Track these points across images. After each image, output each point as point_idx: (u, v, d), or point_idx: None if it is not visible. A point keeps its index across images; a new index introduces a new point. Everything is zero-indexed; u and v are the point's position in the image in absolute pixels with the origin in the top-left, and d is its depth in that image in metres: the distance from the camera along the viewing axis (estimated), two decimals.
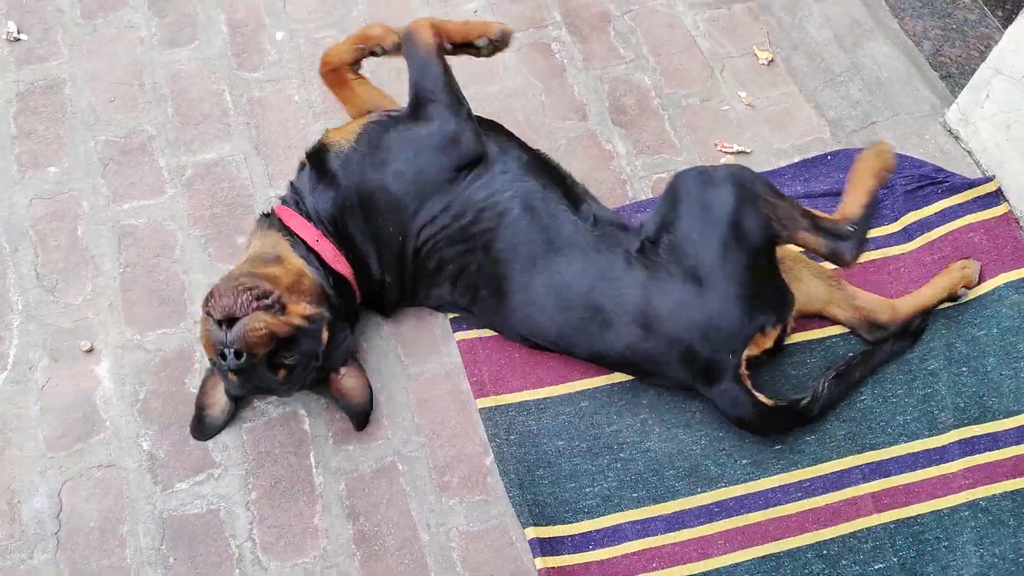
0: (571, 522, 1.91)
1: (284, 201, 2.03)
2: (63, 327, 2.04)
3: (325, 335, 1.87)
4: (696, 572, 1.87)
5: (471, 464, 1.96)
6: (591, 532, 1.90)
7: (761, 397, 1.90)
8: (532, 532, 1.88)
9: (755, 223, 1.83)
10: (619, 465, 1.98)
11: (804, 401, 1.97)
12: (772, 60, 2.62)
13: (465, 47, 2.05)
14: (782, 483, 1.97)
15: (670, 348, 1.86)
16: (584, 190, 2.15)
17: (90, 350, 2.02)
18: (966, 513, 1.94)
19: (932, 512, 1.95)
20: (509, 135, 2.12)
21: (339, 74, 2.12)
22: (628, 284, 1.88)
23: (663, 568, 1.87)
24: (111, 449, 1.91)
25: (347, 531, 1.87)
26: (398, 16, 2.61)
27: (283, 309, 1.77)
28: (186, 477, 1.91)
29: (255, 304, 1.71)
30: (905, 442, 2.03)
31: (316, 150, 2.02)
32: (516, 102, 2.49)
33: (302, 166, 2.04)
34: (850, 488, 1.97)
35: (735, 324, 1.83)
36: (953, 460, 2.00)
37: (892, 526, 1.93)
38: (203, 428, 1.94)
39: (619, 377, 2.07)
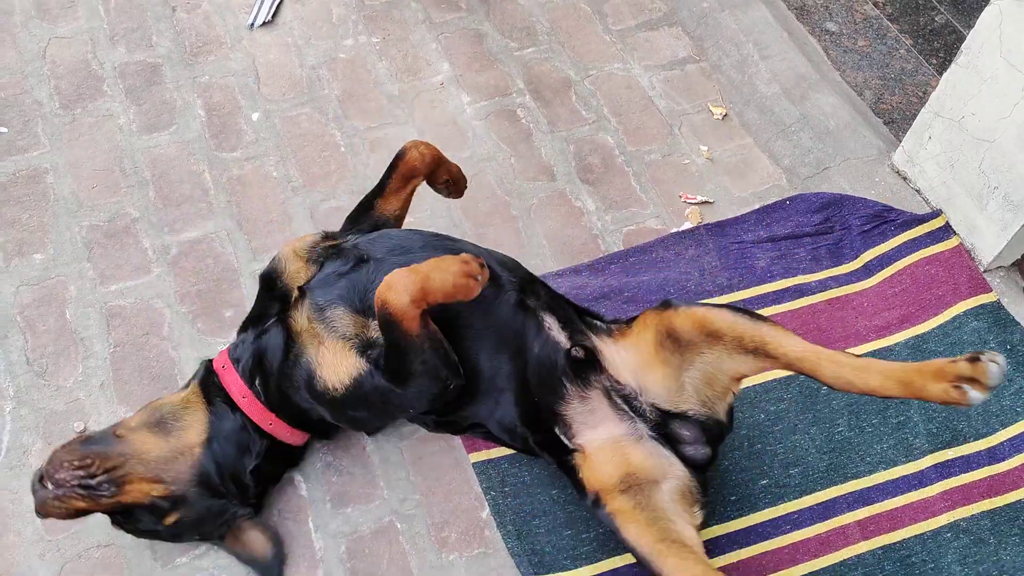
0: (570, 568, 1.94)
1: (231, 353, 1.92)
2: (56, 410, 2.06)
3: (171, 518, 1.79)
4: None
5: (468, 518, 2.00)
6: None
7: None
8: None
9: None
10: None
11: None
12: (726, 115, 2.77)
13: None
14: (771, 517, 2.03)
15: None
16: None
17: (83, 431, 2.03)
18: (948, 535, 2.01)
19: (916, 536, 2.02)
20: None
21: (414, 180, 2.12)
22: None
23: None
24: (109, 528, 1.90)
25: None
26: (366, 92, 2.72)
27: (119, 487, 1.72)
28: (186, 551, 1.91)
29: (76, 480, 1.69)
30: (884, 469, 2.10)
31: (297, 357, 1.82)
32: (487, 166, 2.59)
33: (278, 315, 1.90)
34: (836, 517, 2.03)
35: None
36: (931, 484, 2.08)
37: (880, 552, 1.99)
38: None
39: None
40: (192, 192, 2.46)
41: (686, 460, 1.79)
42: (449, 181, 2.17)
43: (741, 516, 2.03)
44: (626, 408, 1.83)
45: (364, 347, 1.78)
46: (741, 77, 2.81)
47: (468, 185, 2.23)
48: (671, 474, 1.76)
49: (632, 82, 2.83)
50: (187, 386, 1.92)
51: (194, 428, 1.83)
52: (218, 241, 2.37)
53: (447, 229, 2.44)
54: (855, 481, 2.09)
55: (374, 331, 1.76)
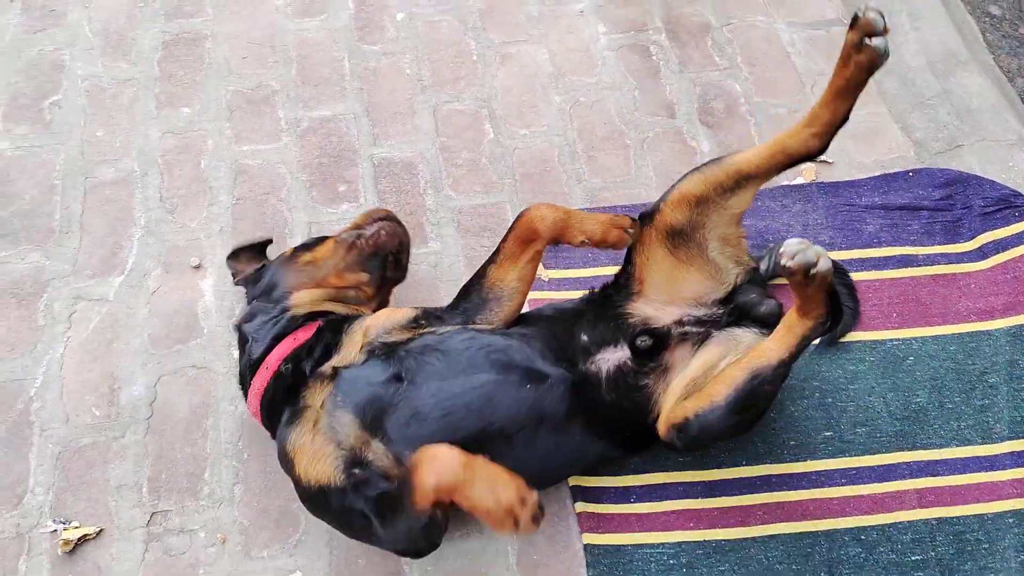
0: (615, 474, 1.99)
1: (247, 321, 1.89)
2: (177, 244, 2.26)
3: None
4: (732, 537, 1.92)
5: None
6: (633, 487, 1.98)
7: None
8: (574, 480, 1.97)
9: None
10: None
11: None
12: None
13: None
14: (827, 468, 2.01)
15: None
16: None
17: (198, 266, 2.22)
18: (1011, 520, 1.94)
19: (976, 515, 1.96)
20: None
21: (534, 243, 1.82)
22: None
23: (700, 529, 1.93)
24: (205, 353, 2.10)
25: None
26: (508, 8, 2.80)
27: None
28: None
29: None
30: (957, 446, 2.04)
31: (294, 408, 1.71)
32: (610, 95, 2.63)
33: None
34: (896, 482, 2.00)
35: None
36: (1004, 469, 2.01)
37: (934, 522, 1.95)
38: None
39: None
40: (330, 76, 2.62)
41: (763, 321, 1.88)
42: (585, 242, 1.83)
43: (797, 460, 2.02)
44: (698, 329, 1.87)
45: (351, 463, 1.62)
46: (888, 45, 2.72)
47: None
48: (739, 350, 1.83)
49: (772, 36, 2.80)
50: None
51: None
52: (344, 122, 2.52)
53: (560, 147, 2.51)
54: (923, 451, 2.04)
55: (371, 452, 1.64)
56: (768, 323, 1.86)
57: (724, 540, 1.92)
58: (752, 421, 1.85)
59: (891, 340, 2.20)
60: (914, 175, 2.48)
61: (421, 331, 1.79)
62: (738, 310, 1.90)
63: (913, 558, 1.90)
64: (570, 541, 1.91)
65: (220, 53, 2.64)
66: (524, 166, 2.48)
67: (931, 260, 2.32)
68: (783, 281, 1.93)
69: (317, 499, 1.64)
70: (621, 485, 1.97)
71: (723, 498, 1.97)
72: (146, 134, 2.45)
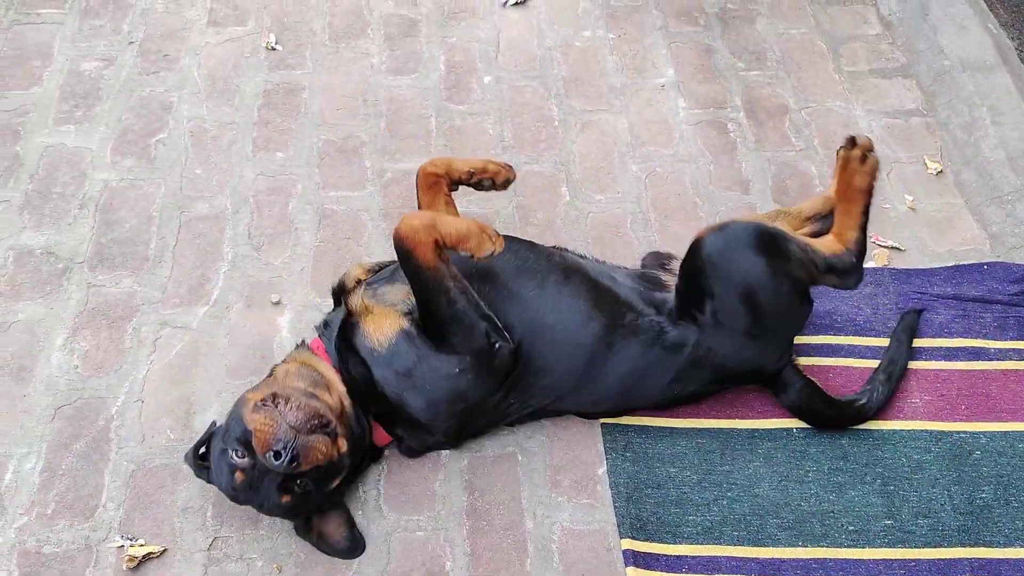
0: (669, 543, 1.98)
1: (319, 330, 2.07)
2: (260, 280, 2.36)
3: (337, 481, 1.87)
4: None
5: (584, 470, 2.09)
6: (686, 556, 1.97)
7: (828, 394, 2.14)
8: (628, 544, 1.97)
9: (787, 287, 2.00)
10: (725, 503, 2.05)
11: (860, 402, 2.16)
12: (941, 171, 2.72)
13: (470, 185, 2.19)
14: (886, 557, 1.98)
15: (740, 380, 2.15)
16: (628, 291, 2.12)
17: (277, 303, 2.32)
18: None
19: None
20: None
21: (438, 185, 2.16)
22: (694, 354, 2.03)
23: None
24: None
25: (461, 502, 2.03)
26: (591, 79, 2.90)
27: (335, 442, 1.80)
28: None
29: (319, 427, 1.76)
30: (1021, 546, 1.99)
31: (346, 323, 1.97)
32: (686, 167, 2.69)
33: (336, 300, 2.13)
34: None
35: (791, 343, 2.16)
36: None
37: None
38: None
39: (740, 423, 2.16)
40: (416, 131, 2.73)
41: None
42: (473, 173, 2.17)
43: (855, 547, 1.99)
44: None
45: (409, 311, 1.93)
46: (967, 138, 2.74)
47: (514, 179, 2.23)
48: None
49: (850, 121, 2.84)
50: (294, 355, 2.01)
51: (338, 383, 1.93)
52: None
53: (633, 214, 2.57)
54: (986, 549, 1.99)
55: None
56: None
57: None
58: (756, 306, 1.98)
59: (958, 432, 2.17)
60: (988, 268, 2.47)
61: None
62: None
63: None
64: None
65: (316, 104, 2.78)
66: (597, 229, 2.54)
67: (1003, 355, 2.29)
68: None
69: (399, 361, 1.89)
70: (674, 553, 1.97)
71: None
72: (241, 175, 2.58)
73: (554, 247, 2.17)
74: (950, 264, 2.49)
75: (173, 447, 2.06)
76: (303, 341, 2.07)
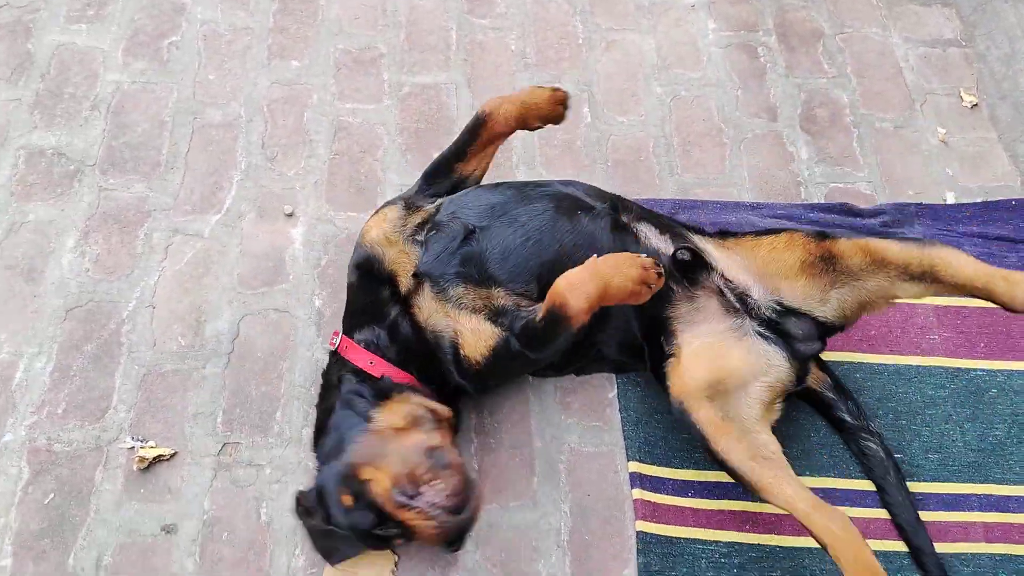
0: (677, 467, 1.98)
1: (368, 342, 1.88)
2: (273, 191, 2.32)
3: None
4: (787, 545, 1.90)
5: (595, 394, 2.08)
6: (693, 481, 1.97)
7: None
8: (635, 467, 1.97)
9: None
10: None
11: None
12: (976, 104, 2.63)
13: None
14: None
15: None
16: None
17: (291, 214, 2.28)
18: None
19: None
20: None
21: (498, 141, 2.04)
22: None
23: (756, 533, 1.91)
24: (289, 299, 2.15)
25: (470, 419, 2.02)
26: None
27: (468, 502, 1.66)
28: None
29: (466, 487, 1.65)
30: None
31: (435, 338, 1.82)
32: (712, 91, 2.61)
33: (399, 308, 1.87)
34: (964, 512, 1.95)
35: None
36: None
37: (998, 558, 1.90)
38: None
39: None
40: (436, 44, 2.65)
41: (795, 354, 1.82)
42: (540, 125, 2.02)
43: (863, 478, 1.98)
44: (738, 305, 1.85)
45: (494, 315, 1.79)
46: (1005, 70, 2.64)
47: (567, 113, 2.03)
48: (769, 371, 1.79)
49: (886, 49, 2.74)
50: (381, 398, 1.81)
51: (446, 415, 1.83)
52: (446, 91, 2.55)
53: (656, 138, 2.50)
54: (996, 486, 1.98)
55: (499, 299, 1.80)
56: (798, 356, 1.84)
57: (779, 547, 1.90)
58: None
59: (975, 370, 2.14)
60: (1017, 204, 2.40)
61: (425, 209, 1.93)
62: (781, 327, 1.84)
63: None
64: (623, 526, 1.92)
65: (333, 11, 2.70)
66: (617, 153, 2.48)
67: None
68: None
69: (495, 365, 1.78)
70: (681, 478, 1.97)
71: None
72: (255, 82, 2.52)
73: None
74: (979, 200, 2.43)
75: (184, 353, 2.06)
76: (334, 353, 1.89)
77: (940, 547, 1.90)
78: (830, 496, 1.95)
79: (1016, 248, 2.34)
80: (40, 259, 2.16)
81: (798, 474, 1.95)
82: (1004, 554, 1.90)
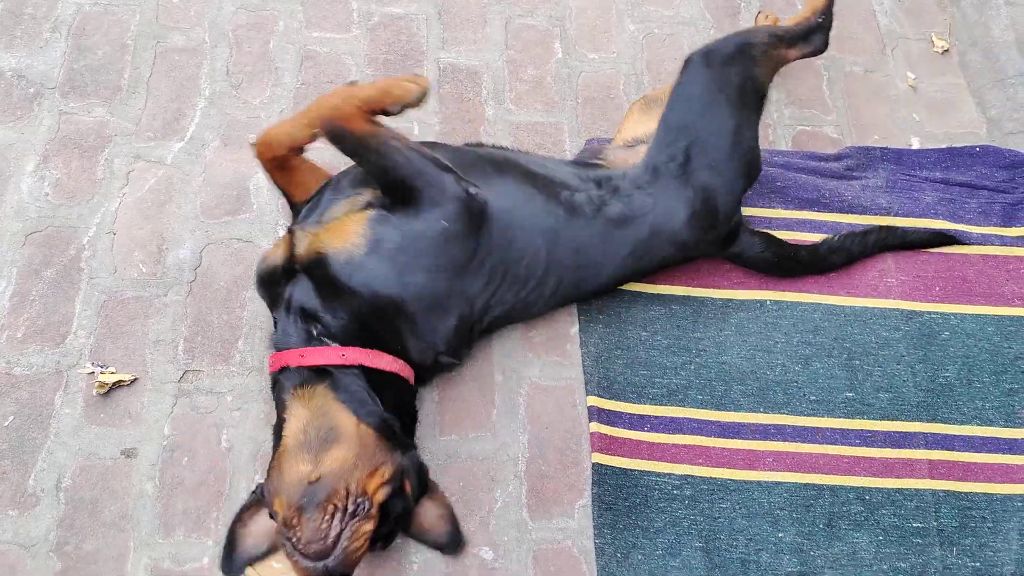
0: (634, 402, 2.02)
1: (278, 343, 1.77)
2: (238, 119, 2.29)
3: (408, 484, 1.68)
4: (737, 478, 1.95)
5: (557, 330, 2.10)
6: (649, 416, 2.01)
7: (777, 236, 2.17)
8: (593, 400, 2.00)
9: (751, 98, 2.05)
10: (692, 368, 2.07)
11: (819, 248, 2.18)
12: (947, 50, 2.63)
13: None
14: (843, 427, 2.02)
15: (703, 245, 2.04)
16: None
17: (254, 142, 2.26)
18: (1019, 504, 1.95)
19: (985, 494, 1.97)
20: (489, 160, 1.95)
21: (284, 159, 1.91)
22: (653, 220, 1.96)
23: (708, 466, 1.96)
24: (252, 228, 2.14)
25: None
26: None
27: (369, 501, 1.58)
28: None
29: (346, 520, 1.54)
30: (977, 425, 2.04)
31: (313, 261, 1.74)
32: (685, 30, 2.59)
33: (289, 277, 1.79)
34: (910, 450, 2.01)
35: (740, 186, 2.05)
36: (1022, 454, 2.01)
37: (941, 494, 1.96)
38: (232, 560, 1.69)
39: (715, 292, 2.16)
40: None
41: None
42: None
43: (815, 416, 2.03)
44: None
45: (364, 207, 1.79)
46: (977, 17, 2.64)
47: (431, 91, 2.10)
48: None
49: None
50: (286, 404, 1.71)
51: (342, 414, 1.67)
52: (416, 23, 2.51)
53: (627, 75, 2.49)
54: (943, 425, 2.04)
55: (366, 196, 1.81)
56: None
57: (730, 480, 1.95)
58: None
59: (929, 313, 2.18)
60: (980, 151, 2.42)
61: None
62: None
63: (914, 524, 1.92)
64: (580, 458, 1.96)
65: None
66: (588, 90, 2.46)
67: (984, 240, 2.28)
68: None
69: (384, 252, 1.73)
70: (638, 413, 2.01)
71: (735, 440, 2.00)
72: (220, 7, 2.46)
73: (469, 143, 2.08)
74: (943, 146, 2.45)
75: (145, 281, 2.05)
76: (275, 373, 1.76)
77: (885, 482, 1.96)
78: (783, 433, 2.00)
79: (976, 194, 2.37)
80: None
81: (752, 410, 2.02)
82: (947, 490, 1.96)
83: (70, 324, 1.98)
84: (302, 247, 1.76)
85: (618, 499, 1.90)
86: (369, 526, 1.55)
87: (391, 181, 1.76)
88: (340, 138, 1.76)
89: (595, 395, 2.01)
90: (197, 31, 2.41)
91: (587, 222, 1.91)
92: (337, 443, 1.61)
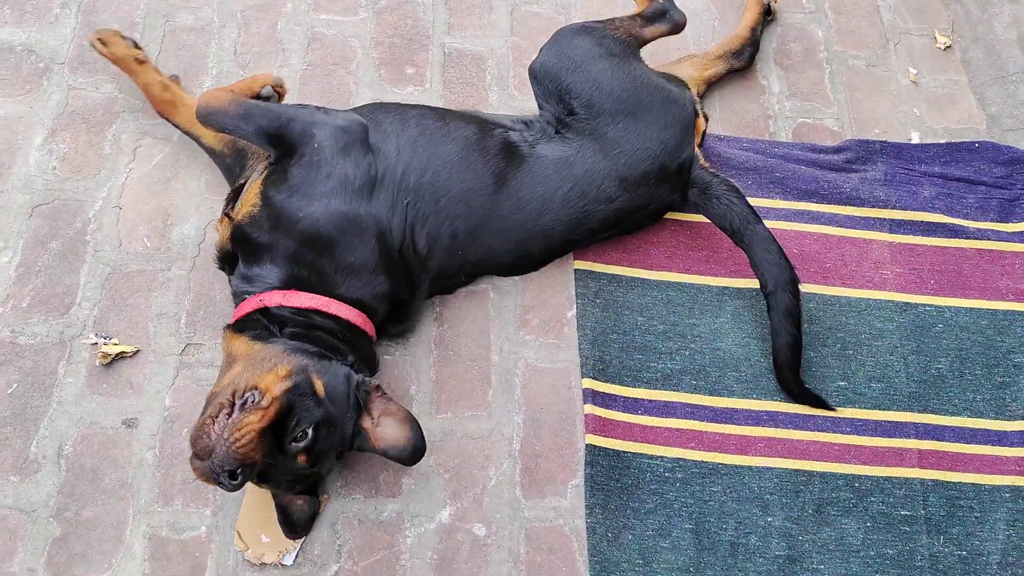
0: (628, 386, 2.05)
1: (237, 300, 1.90)
2: None
3: (319, 383, 1.68)
4: (728, 463, 1.98)
5: (554, 312, 2.13)
6: (643, 400, 2.03)
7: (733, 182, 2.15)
8: (588, 383, 2.03)
9: (617, 47, 2.15)
10: (687, 353, 2.10)
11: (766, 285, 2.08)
12: (950, 47, 2.65)
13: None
14: (835, 415, 2.05)
15: (647, 183, 2.08)
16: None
17: None
18: (1007, 495, 1.97)
19: (973, 484, 1.99)
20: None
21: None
22: (583, 159, 2.05)
23: (699, 450, 1.99)
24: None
25: (431, 331, 2.07)
26: None
27: (258, 394, 1.61)
28: None
29: (231, 414, 1.57)
30: (968, 417, 2.06)
31: (236, 236, 1.88)
32: (690, 20, 2.59)
33: (229, 260, 1.94)
34: (900, 439, 2.03)
35: (678, 124, 2.10)
36: (1011, 446, 2.03)
37: (930, 483, 1.98)
38: (292, 525, 1.81)
39: (712, 280, 2.18)
40: None
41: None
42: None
43: (807, 405, 2.05)
44: None
45: (262, 173, 1.94)
46: (980, 14, 2.65)
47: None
48: None
49: None
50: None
51: (237, 341, 1.76)
52: (422, 7, 2.53)
53: None
54: (933, 415, 2.06)
55: (265, 162, 1.97)
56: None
57: (721, 464, 1.98)
58: (610, 91, 2.07)
59: (924, 305, 2.20)
60: (979, 147, 2.44)
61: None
62: None
63: (902, 512, 1.95)
64: (573, 439, 1.98)
65: None
66: None
67: (981, 235, 2.30)
68: None
69: (283, 207, 1.86)
70: (632, 396, 2.03)
71: (728, 425, 2.02)
72: None
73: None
74: (943, 141, 2.46)
75: (150, 255, 2.08)
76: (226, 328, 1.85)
77: (875, 471, 1.99)
78: (775, 419, 2.03)
79: (974, 189, 2.39)
80: (7, 155, 2.15)
81: (745, 396, 2.05)
82: (936, 480, 1.99)
83: (74, 295, 2.01)
84: (227, 229, 1.92)
85: (610, 480, 1.93)
86: (255, 417, 1.55)
87: (267, 136, 1.92)
88: (208, 118, 1.96)
89: (590, 377, 2.04)
90: (206, 11, 2.43)
91: (526, 164, 2.02)
92: (233, 364, 1.72)
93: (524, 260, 2.11)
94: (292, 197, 1.84)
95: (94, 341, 1.95)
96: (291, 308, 1.80)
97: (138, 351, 1.96)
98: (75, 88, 2.26)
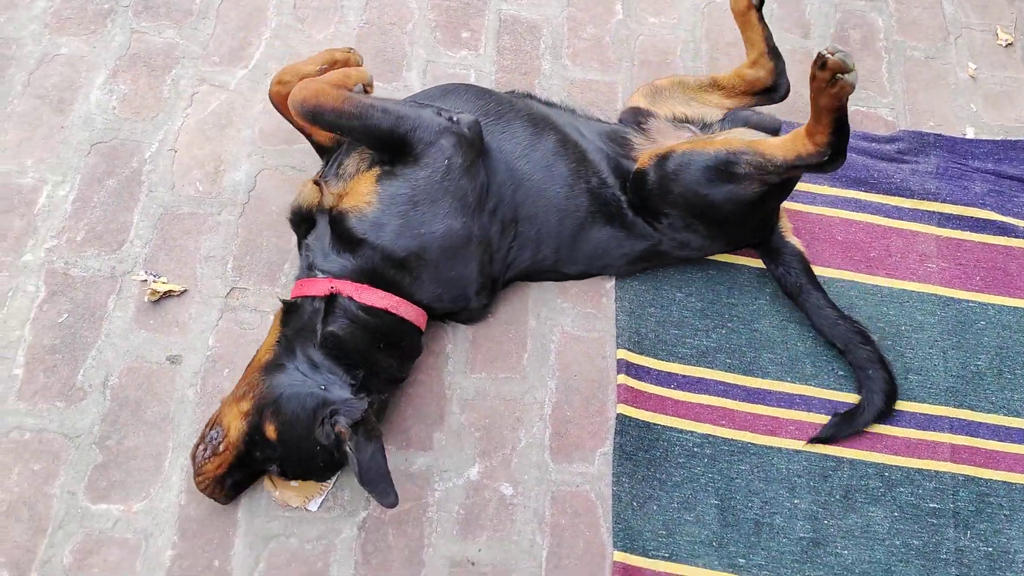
0: (663, 360, 2.05)
1: (299, 275, 1.92)
2: (300, 52, 2.34)
3: (270, 427, 1.70)
4: (758, 443, 1.98)
5: (593, 282, 2.13)
6: (677, 374, 2.04)
7: None
8: (623, 354, 2.04)
9: (742, 204, 1.96)
10: (724, 331, 2.10)
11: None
12: (1011, 43, 2.60)
13: None
14: None
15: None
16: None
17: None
18: None
19: (1005, 482, 1.97)
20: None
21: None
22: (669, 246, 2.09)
23: (729, 428, 1.99)
24: (306, 158, 2.20)
25: None
26: None
27: (221, 433, 1.73)
28: None
29: (205, 452, 1.73)
30: (1004, 415, 2.05)
31: (334, 219, 1.84)
32: None
33: (309, 227, 1.91)
34: (933, 432, 2.02)
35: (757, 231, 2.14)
36: None
37: (961, 478, 1.97)
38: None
39: (753, 261, 2.18)
40: None
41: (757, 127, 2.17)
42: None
43: (841, 391, 2.05)
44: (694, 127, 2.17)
45: (370, 165, 1.88)
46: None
47: None
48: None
49: None
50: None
51: (264, 342, 1.84)
52: None
53: (685, 42, 2.50)
54: (969, 411, 2.05)
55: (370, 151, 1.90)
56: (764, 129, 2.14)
57: (751, 443, 1.98)
58: (717, 219, 1.99)
59: (967, 301, 2.18)
60: None
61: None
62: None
63: (931, 505, 1.94)
64: (604, 408, 2.00)
65: None
66: (645, 53, 2.48)
67: None
68: None
69: (395, 206, 1.82)
70: (665, 370, 2.04)
71: (760, 406, 2.02)
72: None
73: (515, 92, 2.13)
74: (998, 138, 2.43)
75: (201, 199, 2.12)
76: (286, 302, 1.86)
77: (907, 462, 1.98)
78: (808, 403, 2.03)
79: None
80: (69, 92, 2.20)
81: (779, 378, 2.05)
82: (967, 475, 1.98)
83: (127, 233, 2.06)
84: (329, 204, 1.86)
85: (639, 451, 1.94)
86: (212, 465, 1.72)
87: (380, 140, 1.84)
88: (318, 116, 1.85)
89: (625, 348, 2.05)
90: None
91: (604, 221, 2.02)
92: (249, 365, 1.82)
93: (578, 277, 2.15)
94: (414, 210, 1.81)
95: (144, 278, 2.00)
96: (357, 303, 1.80)
97: (185, 291, 2.01)
98: (138, 32, 2.31)
